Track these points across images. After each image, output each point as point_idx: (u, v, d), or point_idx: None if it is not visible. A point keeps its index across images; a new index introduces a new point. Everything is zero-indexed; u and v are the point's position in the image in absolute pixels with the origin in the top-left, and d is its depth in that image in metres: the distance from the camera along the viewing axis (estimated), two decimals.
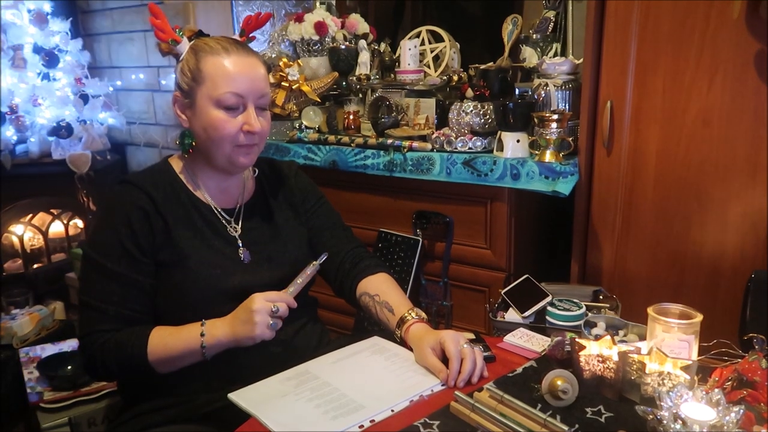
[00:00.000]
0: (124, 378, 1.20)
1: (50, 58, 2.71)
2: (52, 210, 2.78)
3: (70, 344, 1.97)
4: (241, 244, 1.21)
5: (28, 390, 1.71)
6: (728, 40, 1.35)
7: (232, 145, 1.14)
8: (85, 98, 2.83)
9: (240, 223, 1.23)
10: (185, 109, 1.17)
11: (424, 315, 1.19)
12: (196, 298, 1.13)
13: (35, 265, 2.76)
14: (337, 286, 1.34)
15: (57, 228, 2.81)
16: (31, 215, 2.73)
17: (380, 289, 1.25)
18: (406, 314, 1.17)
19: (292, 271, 1.23)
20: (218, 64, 1.12)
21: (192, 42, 1.18)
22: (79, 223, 2.88)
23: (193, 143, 1.17)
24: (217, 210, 1.21)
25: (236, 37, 1.24)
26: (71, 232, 2.85)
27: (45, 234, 2.76)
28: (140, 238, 1.11)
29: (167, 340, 1.09)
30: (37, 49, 2.70)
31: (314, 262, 1.19)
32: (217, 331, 1.08)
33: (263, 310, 1.06)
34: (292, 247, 1.27)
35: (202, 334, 1.07)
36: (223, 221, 1.21)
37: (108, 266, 1.10)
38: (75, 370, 1.78)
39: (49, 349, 1.93)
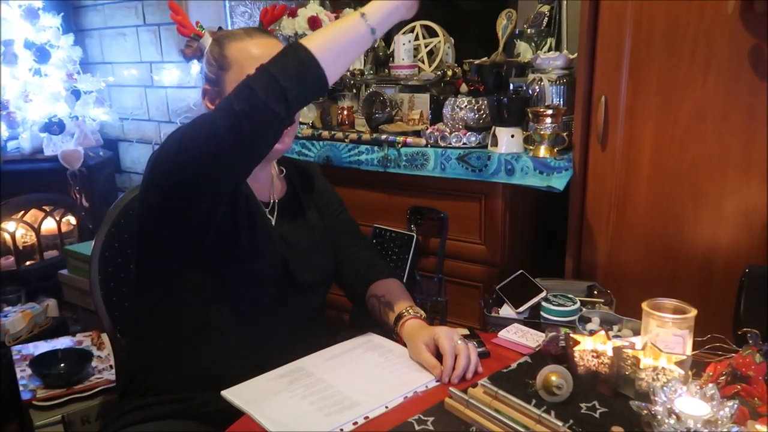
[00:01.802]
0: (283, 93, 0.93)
1: (41, 54, 2.69)
2: (44, 207, 2.77)
3: (63, 342, 1.96)
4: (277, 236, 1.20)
5: (21, 388, 1.71)
6: (723, 35, 1.35)
7: None
8: (77, 94, 2.81)
9: (274, 217, 1.22)
10: (215, 99, 1.18)
11: (421, 312, 1.19)
12: (234, 282, 1.11)
13: (27, 263, 2.75)
14: (350, 293, 1.35)
15: (49, 225, 2.80)
16: (23, 212, 2.72)
17: (388, 291, 1.26)
18: (403, 311, 1.17)
19: (323, 274, 1.24)
20: (243, 48, 1.14)
21: (214, 35, 1.20)
22: (72, 219, 2.86)
23: None
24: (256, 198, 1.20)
25: None
26: (64, 229, 2.84)
27: (37, 231, 2.75)
28: None
29: (325, 29, 1.00)
30: (28, 45, 2.67)
31: None
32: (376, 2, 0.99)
33: None
34: (324, 248, 1.28)
35: (362, 14, 0.98)
36: (264, 212, 1.20)
37: None
38: (68, 367, 1.78)
39: (41, 347, 1.92)
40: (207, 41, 1.20)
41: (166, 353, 1.16)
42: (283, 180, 1.31)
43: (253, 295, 1.14)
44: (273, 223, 1.21)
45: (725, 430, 0.78)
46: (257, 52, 1.13)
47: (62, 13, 2.85)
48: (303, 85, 0.94)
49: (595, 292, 1.45)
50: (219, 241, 1.09)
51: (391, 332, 1.19)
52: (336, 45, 0.97)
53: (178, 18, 1.18)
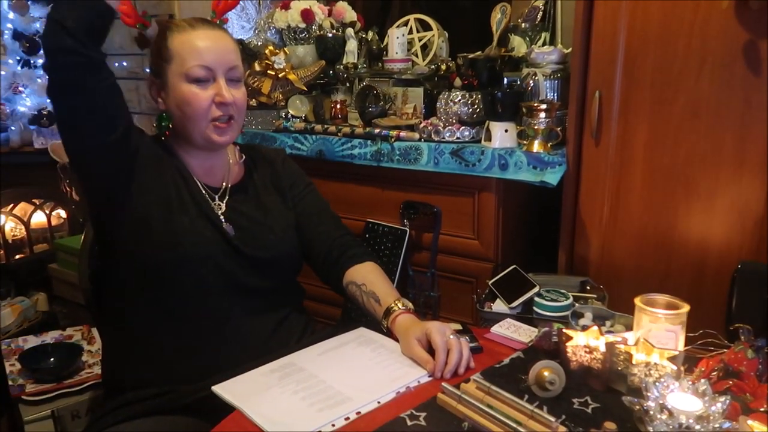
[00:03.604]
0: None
1: (31, 45, 2.66)
2: (34, 200, 2.74)
3: (52, 336, 1.94)
4: (224, 220, 1.20)
5: (10, 383, 1.69)
6: (717, 30, 1.34)
7: (207, 121, 1.15)
8: None
9: (225, 201, 1.23)
10: (159, 90, 1.18)
11: (410, 305, 1.18)
12: (172, 265, 1.11)
13: (17, 256, 2.72)
14: (324, 274, 1.33)
15: (39, 218, 2.77)
16: (12, 205, 2.69)
17: (367, 278, 1.24)
18: (392, 305, 1.16)
19: (276, 255, 1.22)
20: (185, 40, 1.14)
21: (161, 25, 1.20)
22: (62, 213, 2.83)
23: (170, 125, 1.18)
24: (201, 184, 1.21)
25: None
26: (54, 222, 2.81)
27: (27, 224, 2.72)
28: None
29: None
30: (18, 36, 2.64)
31: None
32: None
33: None
34: (279, 230, 1.26)
35: None
36: (207, 197, 1.21)
37: None
38: (58, 362, 1.76)
39: (31, 341, 1.90)
40: (154, 31, 1.19)
41: (132, 348, 1.16)
42: (242, 166, 1.31)
43: (199, 278, 1.13)
44: (222, 207, 1.21)
45: (717, 425, 0.78)
46: (200, 44, 1.14)
47: (52, 4, 2.81)
48: (75, 8, 0.99)
49: (588, 288, 1.45)
50: (152, 224, 1.11)
51: (378, 323, 1.19)
52: None
53: (123, 8, 1.17)
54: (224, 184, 1.25)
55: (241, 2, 2.44)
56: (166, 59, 1.14)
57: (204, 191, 1.20)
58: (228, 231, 1.19)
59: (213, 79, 1.14)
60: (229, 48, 1.17)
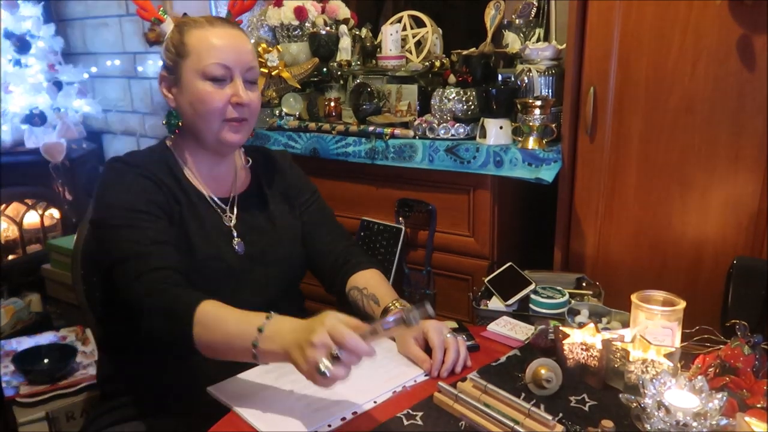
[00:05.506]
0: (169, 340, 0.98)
1: (22, 44, 2.64)
2: (26, 200, 2.73)
3: (46, 337, 1.93)
4: (235, 235, 1.18)
5: (4, 384, 1.68)
6: (711, 25, 1.34)
7: (221, 120, 1.11)
8: (58, 85, 2.76)
9: (235, 213, 1.20)
10: (171, 86, 1.15)
11: (408, 305, 1.17)
12: (199, 281, 1.08)
13: (10, 257, 2.70)
14: (328, 283, 1.32)
15: (32, 219, 2.76)
16: (4, 205, 2.67)
17: (369, 283, 1.23)
18: (390, 304, 1.16)
19: (285, 267, 1.21)
20: (202, 37, 1.10)
21: (177, 21, 1.16)
22: (55, 213, 2.82)
23: (180, 123, 1.15)
24: (211, 198, 1.18)
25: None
26: (47, 222, 2.80)
27: (20, 225, 2.70)
28: (155, 199, 1.08)
29: (220, 313, 0.95)
30: (8, 35, 2.62)
31: (413, 313, 0.84)
32: (276, 336, 0.89)
33: (321, 345, 0.82)
34: (288, 241, 1.25)
35: (260, 330, 0.90)
36: (218, 210, 1.18)
37: (129, 218, 1.04)
38: (52, 363, 1.75)
39: (25, 343, 1.89)
40: (168, 27, 1.17)
41: (130, 355, 1.15)
42: (249, 171, 1.28)
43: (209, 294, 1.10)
44: (233, 219, 1.19)
45: (714, 422, 0.78)
46: (217, 42, 1.10)
47: (43, 2, 2.79)
48: (169, 336, 0.97)
49: (584, 284, 1.45)
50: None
51: None
52: (218, 343, 0.95)
53: (140, 1, 1.16)
54: (232, 194, 1.22)
55: None
56: (181, 54, 1.11)
57: (214, 205, 1.18)
58: (238, 250, 1.16)
59: (230, 78, 1.11)
60: (248, 48, 1.14)
